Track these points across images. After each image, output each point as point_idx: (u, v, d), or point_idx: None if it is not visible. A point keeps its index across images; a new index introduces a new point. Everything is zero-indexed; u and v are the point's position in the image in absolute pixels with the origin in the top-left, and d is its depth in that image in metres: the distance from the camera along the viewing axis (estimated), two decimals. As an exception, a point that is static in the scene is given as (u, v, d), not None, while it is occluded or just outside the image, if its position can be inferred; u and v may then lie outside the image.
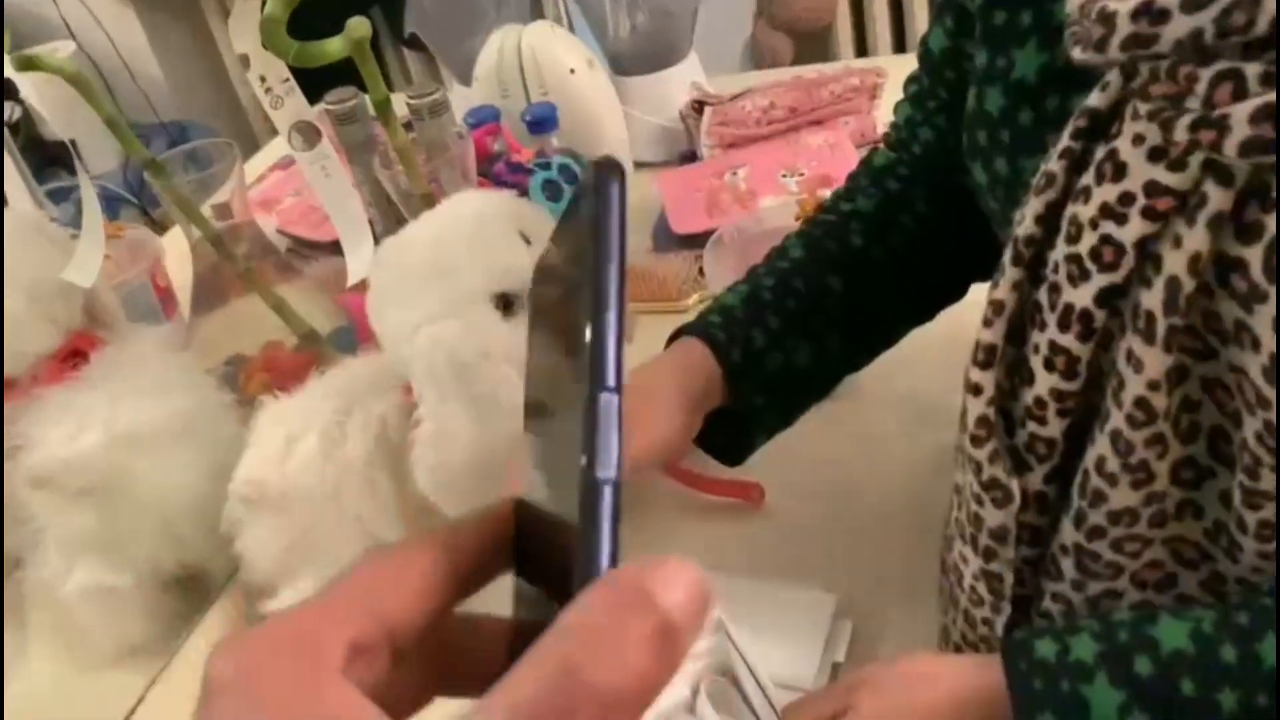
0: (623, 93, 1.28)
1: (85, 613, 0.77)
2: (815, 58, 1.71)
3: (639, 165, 1.32)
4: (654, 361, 0.69)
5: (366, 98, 0.88)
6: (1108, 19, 0.43)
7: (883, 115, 1.26)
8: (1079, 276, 0.48)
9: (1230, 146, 0.41)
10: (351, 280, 0.81)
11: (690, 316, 0.73)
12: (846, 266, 0.71)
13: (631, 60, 1.32)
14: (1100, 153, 0.47)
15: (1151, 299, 0.45)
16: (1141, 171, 0.45)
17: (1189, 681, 0.47)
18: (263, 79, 0.76)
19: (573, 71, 1.21)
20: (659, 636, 0.21)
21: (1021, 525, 0.54)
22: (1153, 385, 0.46)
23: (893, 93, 1.24)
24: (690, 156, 1.31)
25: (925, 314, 0.75)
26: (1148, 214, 0.45)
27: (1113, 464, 0.49)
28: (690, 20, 1.31)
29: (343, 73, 0.80)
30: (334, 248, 0.96)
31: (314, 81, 0.81)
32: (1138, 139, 0.45)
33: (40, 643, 0.82)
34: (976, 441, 0.54)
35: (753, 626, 0.66)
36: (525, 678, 0.20)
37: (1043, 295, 0.50)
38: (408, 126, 0.93)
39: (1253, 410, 0.45)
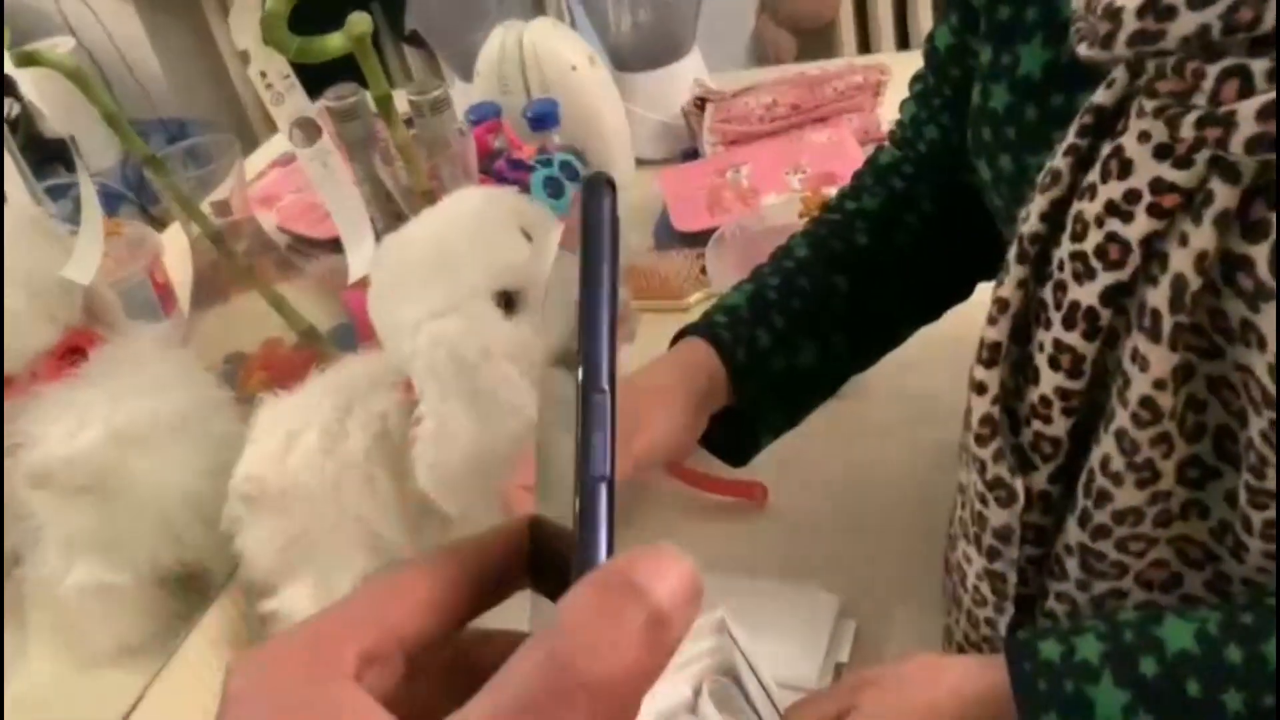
0: (624, 89, 1.28)
1: (84, 611, 0.77)
2: (818, 54, 1.70)
3: (641, 162, 1.32)
4: (658, 361, 0.69)
5: (367, 94, 0.88)
6: (1114, 15, 0.43)
7: (886, 113, 1.25)
8: (1084, 274, 0.47)
9: (1237, 143, 0.40)
10: (352, 277, 0.81)
11: (692, 315, 0.73)
12: (852, 266, 0.71)
13: (633, 56, 1.31)
14: (1106, 150, 0.46)
15: (1157, 297, 0.45)
16: (1147, 169, 0.44)
17: (1194, 682, 0.46)
18: (263, 75, 0.76)
19: (574, 68, 1.21)
20: (650, 626, 0.21)
21: (1026, 525, 0.54)
22: (1158, 384, 0.46)
23: (896, 90, 1.24)
24: (692, 154, 1.31)
25: (931, 313, 0.74)
26: (1154, 211, 0.44)
27: (1118, 463, 0.48)
28: (692, 16, 1.31)
29: (343, 69, 0.80)
30: (334, 245, 0.96)
31: (313, 78, 0.81)
32: (1144, 136, 0.45)
33: (40, 641, 0.82)
34: (981, 440, 0.54)
35: (756, 626, 0.66)
36: (515, 672, 0.21)
37: (1048, 293, 0.50)
38: (409, 123, 0.93)
39: (1259, 409, 0.45)
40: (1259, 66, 0.40)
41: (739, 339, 0.68)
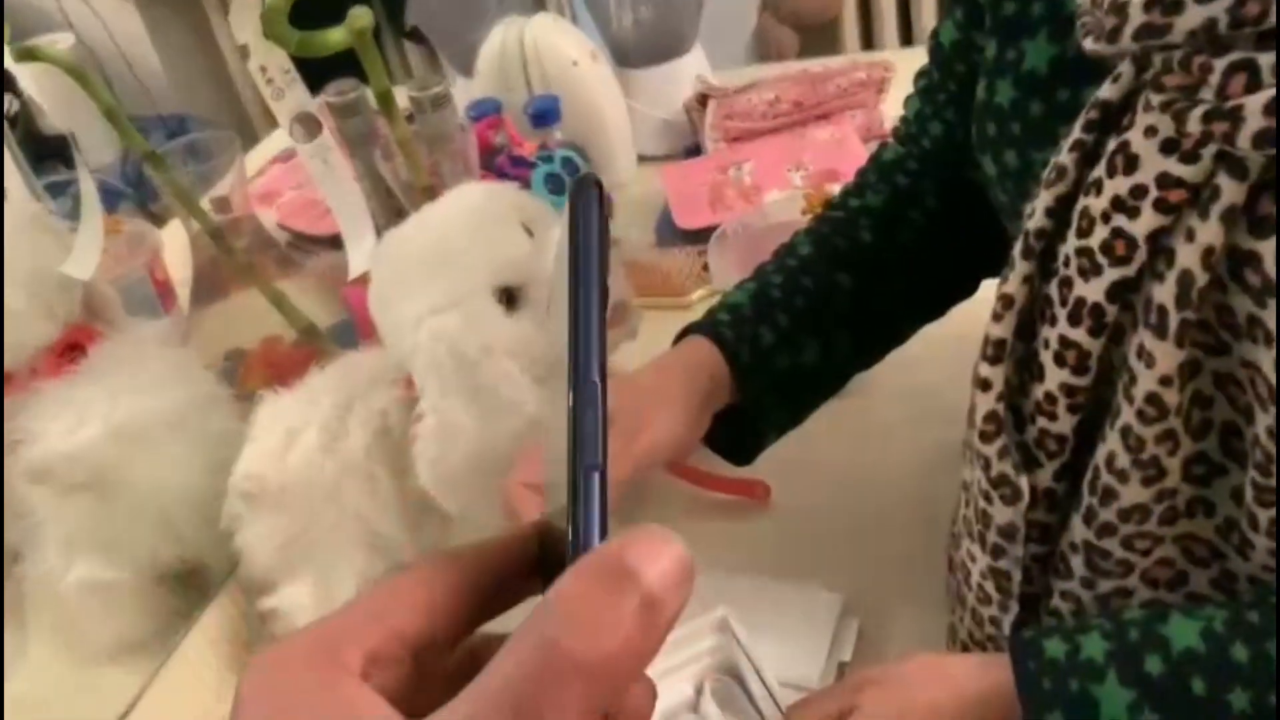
0: (626, 85, 1.28)
1: (84, 608, 0.77)
2: (821, 51, 1.70)
3: (643, 159, 1.32)
4: (661, 360, 0.69)
5: (368, 90, 0.87)
6: (1120, 9, 0.43)
7: (889, 109, 1.25)
8: (1090, 270, 0.47)
9: (1243, 138, 0.40)
10: (352, 274, 0.81)
11: (694, 312, 0.73)
12: (855, 263, 0.71)
13: (635, 52, 1.31)
14: (1112, 145, 0.46)
15: (1163, 293, 0.45)
16: (1154, 164, 0.44)
17: (1200, 681, 0.46)
18: (263, 69, 0.76)
19: (575, 64, 1.21)
20: (643, 608, 0.21)
21: (1030, 522, 0.54)
22: (1164, 380, 0.46)
23: (900, 86, 1.24)
24: (694, 150, 1.31)
25: (935, 311, 0.74)
26: (1160, 207, 0.44)
27: (1123, 460, 0.48)
28: (695, 12, 1.30)
29: (343, 65, 0.80)
30: (334, 242, 0.95)
31: (314, 73, 0.81)
32: (1150, 131, 0.44)
33: (39, 639, 0.82)
34: (985, 438, 0.53)
35: (758, 625, 0.66)
36: (509, 655, 0.21)
37: (1053, 289, 0.49)
38: (409, 119, 0.92)
39: (1265, 406, 0.44)
40: (1266, 61, 0.40)
41: (742, 337, 0.68)
